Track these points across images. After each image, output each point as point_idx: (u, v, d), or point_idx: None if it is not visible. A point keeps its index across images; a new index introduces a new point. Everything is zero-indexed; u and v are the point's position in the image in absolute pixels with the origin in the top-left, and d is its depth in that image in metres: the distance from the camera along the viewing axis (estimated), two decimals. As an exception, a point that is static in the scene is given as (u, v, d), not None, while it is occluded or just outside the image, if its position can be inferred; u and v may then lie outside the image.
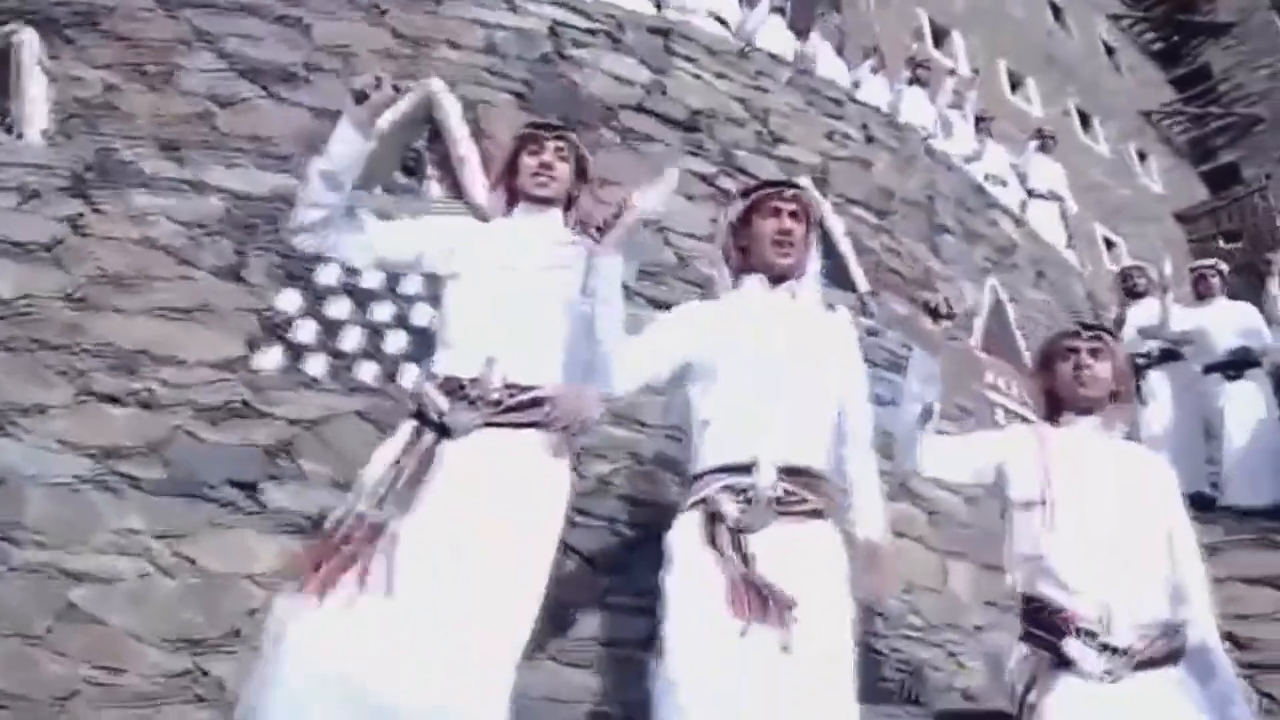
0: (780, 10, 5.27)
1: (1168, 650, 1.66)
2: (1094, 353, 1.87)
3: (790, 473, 1.67)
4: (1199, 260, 5.03)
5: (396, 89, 1.72)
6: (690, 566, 1.63)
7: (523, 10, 3.51)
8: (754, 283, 1.88)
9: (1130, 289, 4.85)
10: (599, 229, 1.73)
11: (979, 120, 6.36)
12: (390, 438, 1.79)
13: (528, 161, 1.94)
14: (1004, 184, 5.69)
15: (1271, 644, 3.21)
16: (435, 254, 1.93)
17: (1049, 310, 4.88)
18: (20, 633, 2.15)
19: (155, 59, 3.08)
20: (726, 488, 1.66)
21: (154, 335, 2.58)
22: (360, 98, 1.70)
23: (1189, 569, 1.75)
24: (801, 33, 5.66)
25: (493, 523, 1.65)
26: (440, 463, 1.69)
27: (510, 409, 1.74)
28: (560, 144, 1.95)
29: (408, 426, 1.77)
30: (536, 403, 1.76)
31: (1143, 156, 13.23)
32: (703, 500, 1.68)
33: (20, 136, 2.88)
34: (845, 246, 3.63)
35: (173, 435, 2.44)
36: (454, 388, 1.75)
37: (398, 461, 1.70)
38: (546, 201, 1.94)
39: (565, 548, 2.37)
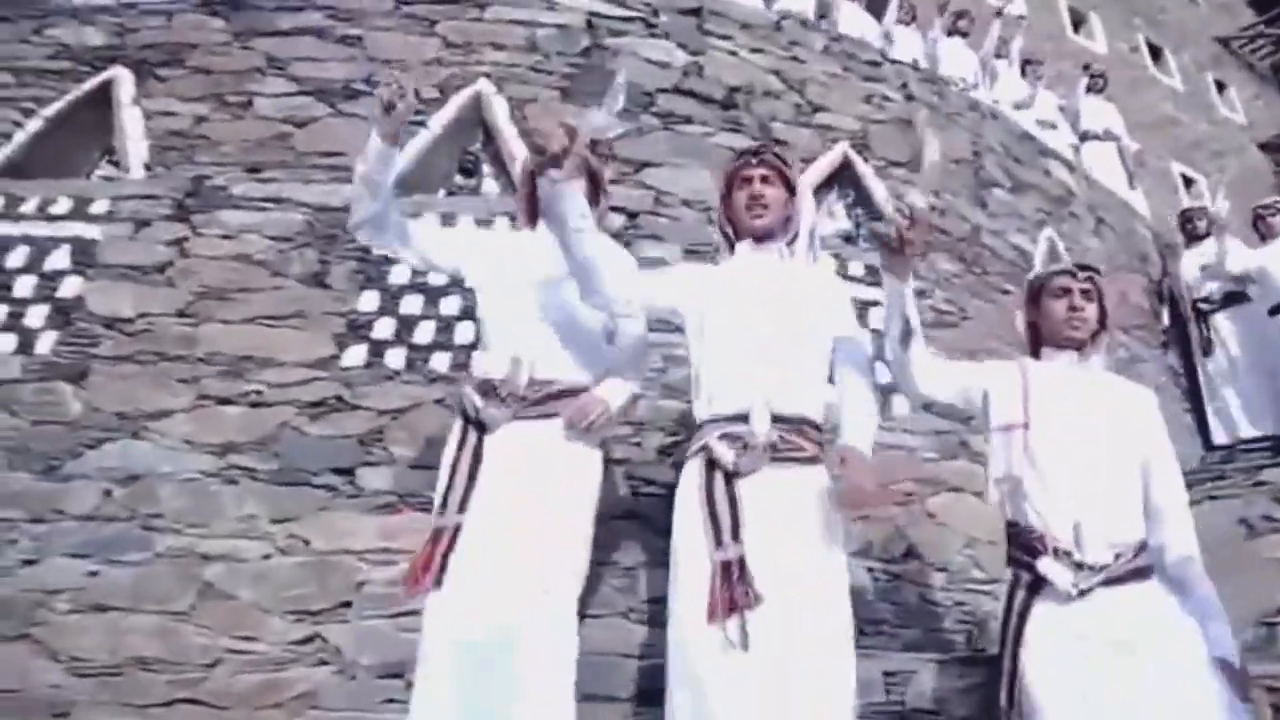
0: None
1: (1139, 567, 1.72)
2: (1085, 294, 1.92)
3: (785, 421, 1.79)
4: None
5: (418, 95, 1.91)
6: (687, 548, 1.77)
7: (560, 6, 3.60)
8: (743, 247, 2.02)
9: (1191, 232, 4.70)
10: (553, 161, 1.76)
11: (1026, 64, 6.18)
12: (448, 440, 2.03)
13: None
14: (1054, 128, 5.52)
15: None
16: (469, 267, 2.15)
17: (1110, 257, 4.76)
18: (167, 609, 2.43)
19: (234, 88, 3.32)
20: (724, 435, 1.79)
21: (255, 341, 2.83)
22: (387, 108, 1.86)
23: (1168, 493, 1.81)
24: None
25: (525, 505, 1.87)
26: (484, 458, 1.93)
27: (534, 403, 1.95)
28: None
29: (457, 425, 2.02)
30: (555, 395, 1.96)
31: (1221, 87, 12.48)
32: (703, 447, 1.82)
33: (127, 170, 3.19)
34: (889, 210, 3.66)
35: (279, 430, 2.70)
36: (488, 388, 1.97)
37: (455, 464, 1.94)
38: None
39: (630, 514, 2.58)
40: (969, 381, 1.98)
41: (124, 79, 3.33)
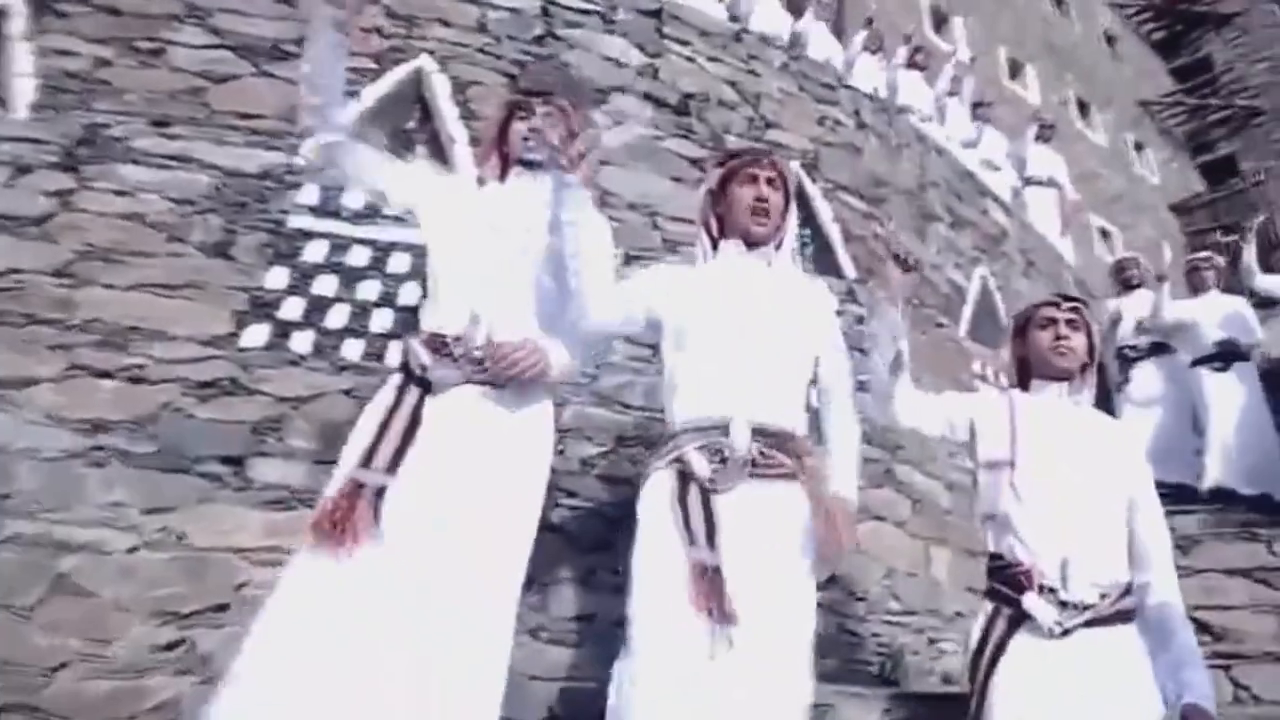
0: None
1: (1122, 609, 1.70)
2: (1071, 324, 1.91)
3: (764, 434, 1.70)
4: (1194, 253, 5.05)
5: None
6: (656, 547, 1.65)
7: (515, -11, 3.49)
8: (730, 248, 1.91)
9: (1125, 280, 4.87)
10: (566, 163, 1.73)
11: (976, 106, 6.35)
12: (378, 394, 1.81)
13: (518, 127, 1.98)
14: (997, 169, 5.68)
15: (1249, 635, 3.26)
16: (426, 208, 1.97)
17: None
18: (9, 603, 2.16)
19: (146, 33, 3.04)
20: (701, 447, 1.68)
21: (143, 311, 2.58)
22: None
23: (1151, 535, 1.79)
24: (796, 11, 5.64)
25: (474, 479, 1.69)
26: (425, 422, 1.72)
27: (492, 377, 1.76)
28: (549, 109, 1.97)
29: (393, 381, 1.80)
30: None
31: (1140, 147, 13.21)
32: (676, 458, 1.70)
33: (10, 111, 2.86)
34: (833, 233, 3.64)
35: (161, 411, 2.46)
36: (438, 344, 1.78)
37: (386, 422, 1.72)
38: (537, 166, 1.94)
39: (549, 527, 2.42)
40: (954, 414, 1.97)
41: (16, 10, 3.00)
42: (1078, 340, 1.90)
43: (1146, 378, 4.59)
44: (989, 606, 1.80)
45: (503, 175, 2.02)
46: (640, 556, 1.67)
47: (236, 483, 2.41)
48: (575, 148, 1.75)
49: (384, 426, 1.71)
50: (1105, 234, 11.29)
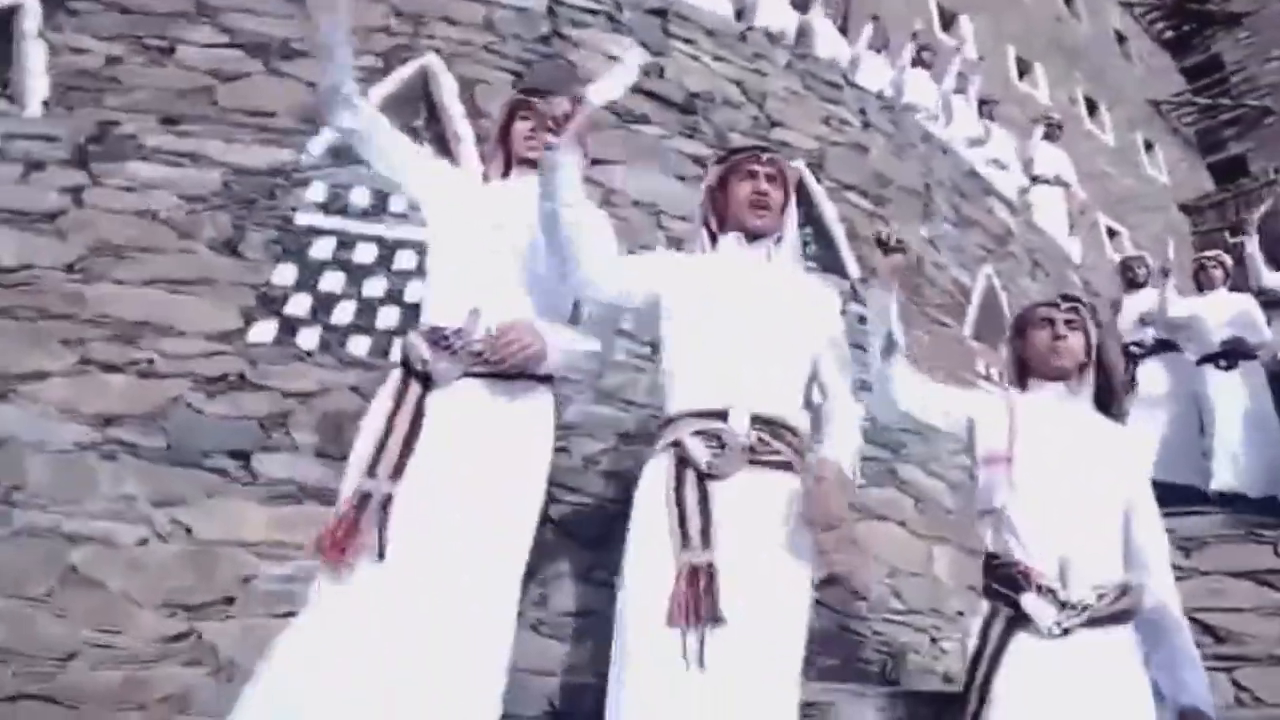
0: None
1: (1120, 609, 1.70)
2: (1069, 323, 1.90)
3: (763, 422, 1.69)
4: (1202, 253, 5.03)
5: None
6: (646, 551, 1.65)
7: (522, -12, 3.50)
8: (730, 240, 1.91)
9: (1131, 279, 4.87)
10: (553, 126, 1.72)
11: (982, 104, 6.33)
12: (379, 392, 1.84)
13: (520, 127, 2.02)
14: (1005, 168, 5.66)
15: (1254, 638, 3.27)
16: (432, 198, 2.00)
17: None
18: (21, 594, 2.20)
19: (157, 31, 3.08)
20: (699, 433, 1.68)
21: (153, 306, 2.61)
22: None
23: (1149, 536, 1.80)
24: (802, 7, 5.64)
25: (475, 472, 1.71)
26: (427, 416, 1.75)
27: (489, 359, 1.77)
28: (549, 108, 1.98)
29: (395, 375, 1.83)
30: None
31: (1149, 146, 13.14)
32: (674, 443, 1.69)
33: (24, 107, 2.90)
34: (838, 232, 3.65)
35: (170, 405, 2.49)
36: (438, 338, 1.80)
37: (390, 422, 1.74)
38: (538, 164, 1.96)
39: (550, 522, 2.44)
40: (953, 406, 1.96)
41: (30, 8, 3.04)
42: (1075, 340, 1.90)
43: (1152, 376, 4.57)
44: (986, 606, 1.80)
45: (506, 173, 2.05)
46: (630, 558, 1.68)
47: (244, 477, 2.44)
48: (563, 109, 1.72)
49: (386, 432, 1.73)
50: (1113, 233, 11.25)
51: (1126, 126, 12.74)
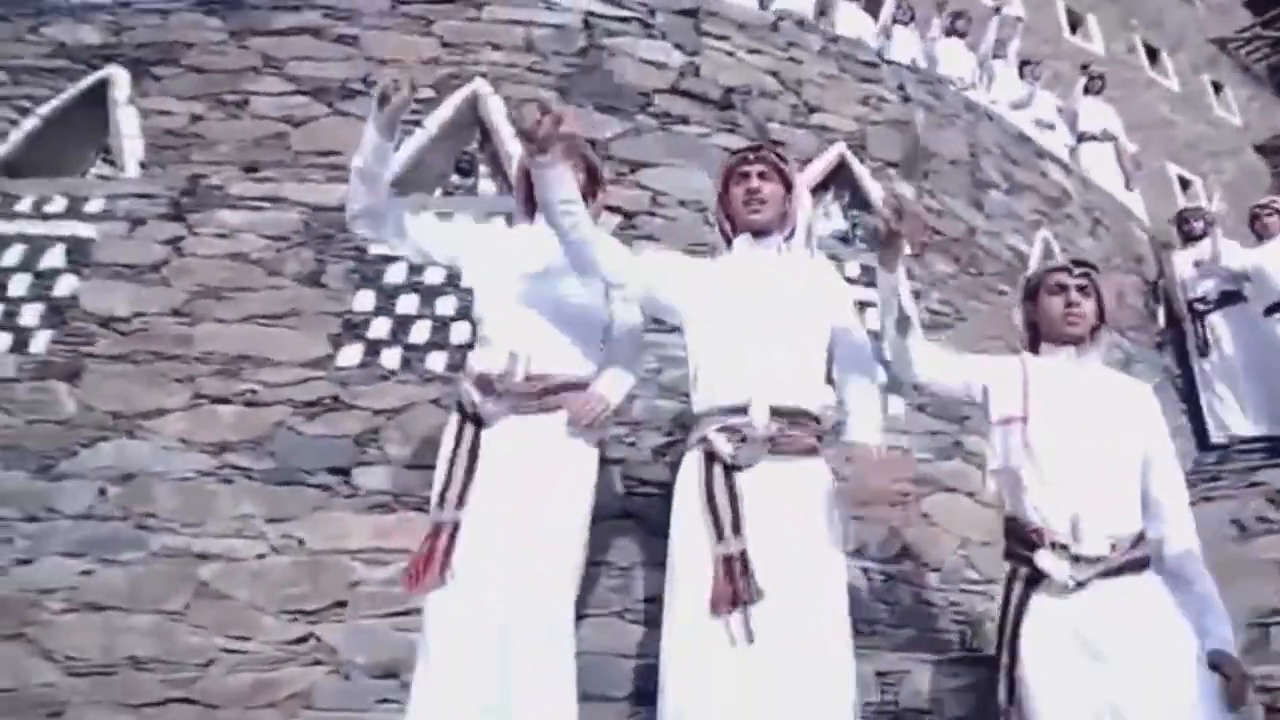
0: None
1: (1135, 558, 1.73)
2: (1081, 290, 1.92)
3: (783, 413, 1.80)
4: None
5: (415, 87, 1.91)
6: (686, 543, 1.78)
7: (557, 6, 3.61)
8: (741, 241, 2.03)
9: (1188, 232, 4.72)
10: (537, 144, 1.78)
11: (1024, 64, 6.19)
12: (443, 435, 2.04)
13: None
14: (1051, 128, 5.53)
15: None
16: (466, 260, 2.17)
17: (1106, 258, 4.77)
18: (162, 609, 2.44)
19: (230, 87, 3.32)
20: (723, 428, 1.80)
21: (251, 341, 2.83)
22: (382, 101, 1.89)
23: (1166, 487, 1.81)
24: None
25: (524, 502, 1.88)
26: (482, 451, 1.95)
27: (532, 397, 1.96)
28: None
29: (453, 420, 2.03)
30: (553, 389, 1.97)
31: (1218, 88, 12.50)
32: (702, 439, 1.82)
33: (123, 169, 3.19)
34: (878, 201, 3.67)
35: (274, 430, 2.70)
36: (485, 383, 1.98)
37: (452, 459, 1.95)
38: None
39: (625, 514, 2.58)
40: (969, 374, 1.99)
41: (120, 78, 3.33)
42: (1088, 306, 1.92)
43: (1220, 329, 4.43)
44: (1007, 567, 1.85)
45: (531, 215, 2.19)
46: (673, 549, 1.82)
47: (345, 490, 2.63)
48: (533, 118, 1.77)
49: (450, 466, 1.95)
50: (1186, 183, 10.78)
51: (1191, 70, 12.15)
